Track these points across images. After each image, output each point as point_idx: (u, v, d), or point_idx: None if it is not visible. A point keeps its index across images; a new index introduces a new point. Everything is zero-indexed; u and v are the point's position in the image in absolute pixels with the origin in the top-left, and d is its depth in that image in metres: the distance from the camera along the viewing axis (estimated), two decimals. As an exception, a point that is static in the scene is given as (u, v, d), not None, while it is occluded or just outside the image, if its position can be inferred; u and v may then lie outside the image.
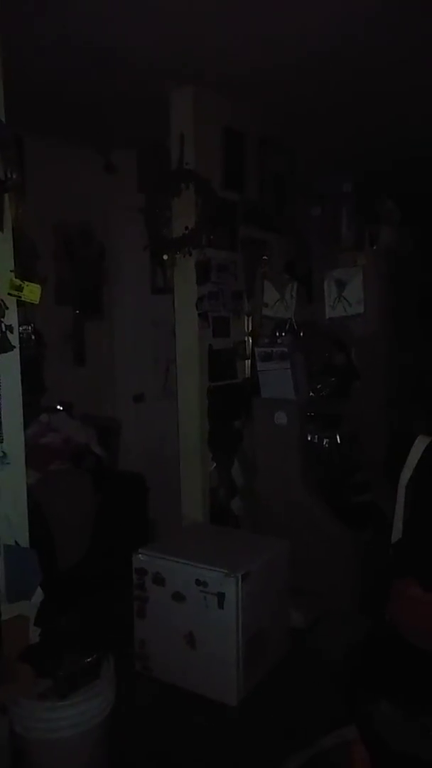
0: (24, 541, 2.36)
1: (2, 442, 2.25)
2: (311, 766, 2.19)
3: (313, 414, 3.75)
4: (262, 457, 3.73)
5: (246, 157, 3.71)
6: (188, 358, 3.43)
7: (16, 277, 2.25)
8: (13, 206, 2.29)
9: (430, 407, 4.08)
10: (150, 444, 4.35)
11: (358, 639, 2.55)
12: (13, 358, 2.29)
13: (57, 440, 3.60)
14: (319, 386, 3.71)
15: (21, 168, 3.48)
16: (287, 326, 3.76)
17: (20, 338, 2.35)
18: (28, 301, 2.28)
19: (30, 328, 3.63)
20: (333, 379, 3.76)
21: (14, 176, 2.29)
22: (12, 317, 2.27)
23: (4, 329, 2.22)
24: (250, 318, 3.78)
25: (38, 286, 2.29)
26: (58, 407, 3.83)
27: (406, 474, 2.06)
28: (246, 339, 3.75)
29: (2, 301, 2.22)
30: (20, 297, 2.26)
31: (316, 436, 3.78)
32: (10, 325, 2.25)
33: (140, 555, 2.92)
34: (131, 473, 3.99)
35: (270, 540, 3.18)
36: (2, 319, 2.22)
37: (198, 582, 2.73)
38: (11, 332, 2.25)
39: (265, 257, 3.84)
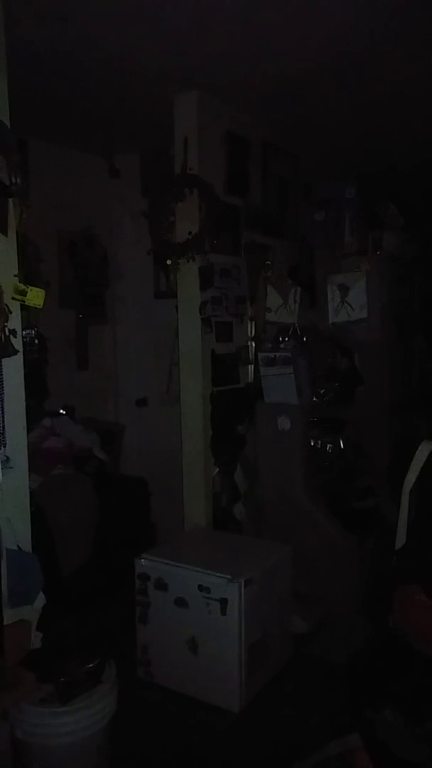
0: (26, 545, 2.35)
1: (5, 447, 2.25)
2: (314, 774, 2.18)
3: (316, 419, 3.75)
4: (265, 462, 3.72)
5: (249, 162, 3.71)
6: (191, 362, 3.43)
7: (20, 282, 2.26)
8: (17, 211, 2.29)
9: (434, 412, 4.07)
10: (152, 448, 4.35)
11: (360, 645, 2.54)
12: (16, 362, 2.29)
13: (60, 444, 3.60)
14: (322, 391, 3.71)
15: (25, 172, 3.48)
16: (290, 331, 3.75)
17: (23, 342, 2.35)
18: (32, 305, 2.27)
19: (33, 332, 3.63)
20: (336, 384, 3.75)
21: (18, 181, 2.28)
22: (16, 321, 2.26)
23: (7, 333, 2.22)
24: (253, 323, 3.78)
25: (42, 290, 2.28)
26: (61, 411, 3.83)
27: (410, 479, 2.05)
28: (249, 344, 3.75)
29: (6, 305, 2.21)
30: (24, 301, 2.25)
31: (319, 441, 3.77)
32: (14, 329, 2.25)
33: (142, 560, 2.91)
34: (134, 477, 3.98)
35: (272, 545, 3.17)
36: (6, 324, 2.22)
37: (201, 587, 2.72)
38: (15, 336, 2.25)
39: (268, 262, 3.84)
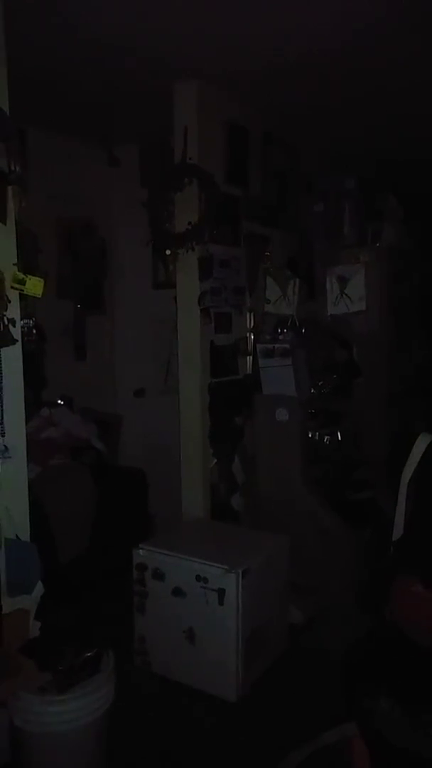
0: (25, 535, 2.36)
1: (4, 436, 2.25)
2: (311, 763, 2.19)
3: (314, 411, 3.75)
4: (263, 453, 3.73)
5: (249, 153, 3.69)
6: (190, 353, 3.42)
7: (18, 271, 2.25)
8: (15, 199, 2.28)
9: (432, 405, 4.08)
10: (150, 439, 4.35)
11: (357, 635, 2.55)
12: (14, 352, 2.28)
13: (57, 435, 3.60)
14: (320, 383, 3.71)
15: (24, 161, 3.46)
16: (289, 323, 3.75)
17: (21, 332, 2.34)
18: (31, 294, 2.27)
19: (31, 322, 3.62)
20: (334, 376, 3.76)
21: (17, 169, 2.28)
22: (14, 311, 2.26)
23: (6, 323, 2.21)
24: (252, 314, 3.77)
25: (41, 279, 2.28)
26: (59, 401, 3.82)
27: (408, 472, 2.06)
28: (248, 335, 3.75)
29: (5, 294, 2.21)
30: (23, 291, 2.25)
31: (317, 433, 3.78)
32: (13, 319, 2.24)
33: (140, 550, 2.92)
34: (131, 468, 3.99)
35: (270, 536, 3.18)
36: (5, 313, 2.21)
37: (198, 578, 2.73)
38: (13, 326, 2.24)
39: (267, 253, 3.83)
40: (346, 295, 3.98)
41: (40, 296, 2.30)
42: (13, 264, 2.25)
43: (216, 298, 3.44)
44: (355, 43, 2.86)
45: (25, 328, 3.38)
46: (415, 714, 1.60)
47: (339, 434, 3.84)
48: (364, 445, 3.96)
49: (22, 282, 2.24)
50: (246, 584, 2.69)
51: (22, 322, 2.39)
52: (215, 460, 3.53)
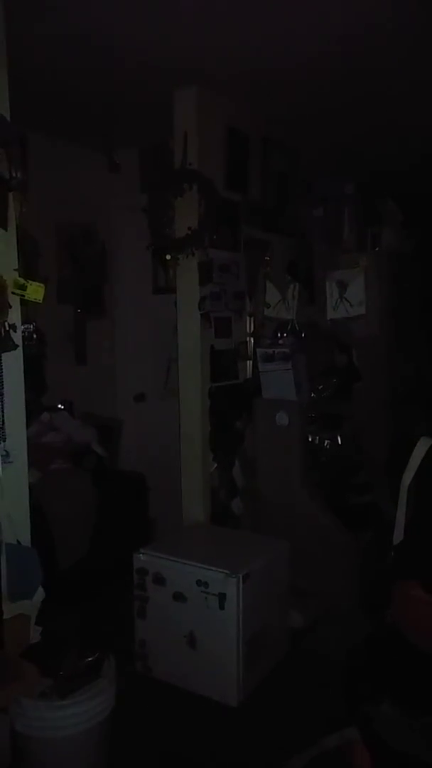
0: (26, 540, 2.36)
1: (5, 441, 2.25)
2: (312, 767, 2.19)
3: (314, 415, 3.75)
4: (263, 457, 3.73)
5: (249, 158, 3.70)
6: (190, 358, 3.43)
7: (19, 276, 2.25)
8: (16, 205, 2.28)
9: (432, 409, 4.08)
10: (151, 444, 4.35)
11: (358, 640, 2.55)
12: (15, 357, 2.29)
13: (58, 439, 3.60)
14: (320, 387, 3.71)
15: (25, 167, 3.47)
16: (289, 327, 3.76)
17: (22, 337, 2.34)
18: (32, 299, 2.27)
19: (31, 327, 3.62)
20: (334, 380, 3.76)
21: (18, 175, 2.28)
22: (15, 316, 2.26)
23: (7, 328, 2.22)
24: (252, 318, 3.78)
25: (42, 285, 2.28)
26: (60, 406, 3.83)
27: (408, 476, 2.06)
28: (248, 339, 3.75)
29: (6, 300, 2.21)
30: (24, 296, 2.25)
31: (317, 437, 3.78)
32: (14, 324, 2.25)
33: (141, 555, 2.92)
34: (132, 473, 3.99)
35: (270, 540, 3.18)
36: (5, 319, 2.21)
37: (199, 582, 2.73)
38: (14, 331, 2.25)
39: (267, 258, 3.84)
40: (345, 299, 3.98)
41: (41, 302, 2.30)
42: (14, 269, 2.25)
43: (216, 302, 3.45)
44: (355, 46, 2.87)
45: (26, 333, 3.39)
46: (415, 717, 1.60)
47: (339, 438, 3.84)
48: (365, 448, 3.96)
49: (23, 287, 2.24)
50: (246, 589, 2.69)
51: (22, 326, 2.40)
52: (215, 465, 3.53)
